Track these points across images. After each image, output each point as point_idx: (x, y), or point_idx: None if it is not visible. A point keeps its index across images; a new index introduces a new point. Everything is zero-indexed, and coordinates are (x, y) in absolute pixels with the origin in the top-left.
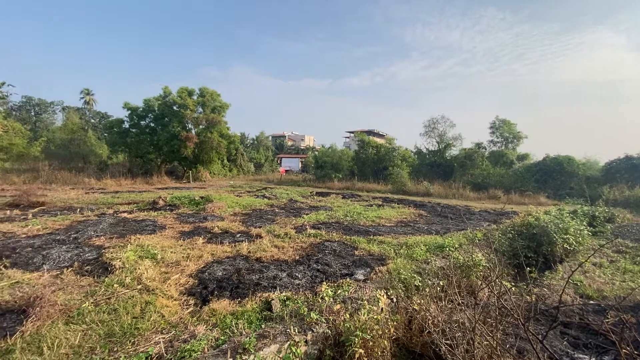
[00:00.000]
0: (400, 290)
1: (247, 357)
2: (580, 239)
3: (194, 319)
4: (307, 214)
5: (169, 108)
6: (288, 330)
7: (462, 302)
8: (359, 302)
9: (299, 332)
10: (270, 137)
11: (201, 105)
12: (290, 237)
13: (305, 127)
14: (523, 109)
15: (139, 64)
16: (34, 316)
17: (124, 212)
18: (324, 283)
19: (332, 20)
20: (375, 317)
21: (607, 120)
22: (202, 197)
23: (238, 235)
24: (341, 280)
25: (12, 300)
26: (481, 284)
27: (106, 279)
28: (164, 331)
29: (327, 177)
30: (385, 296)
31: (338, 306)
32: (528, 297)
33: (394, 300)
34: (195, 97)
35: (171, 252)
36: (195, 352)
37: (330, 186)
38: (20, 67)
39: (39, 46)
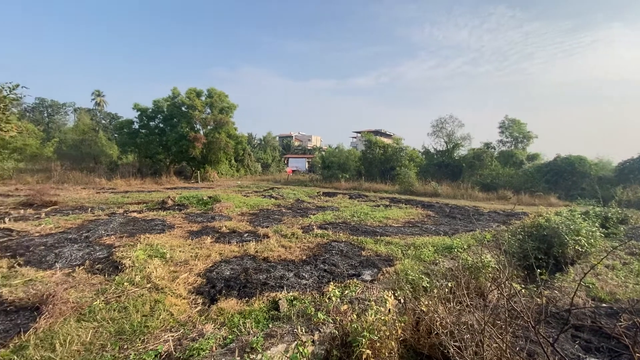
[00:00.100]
0: (407, 292)
1: (254, 356)
2: (592, 240)
3: (202, 317)
4: (314, 214)
5: (178, 109)
6: (295, 330)
7: (470, 304)
8: (366, 302)
9: (306, 332)
10: (278, 138)
11: (209, 106)
12: (297, 237)
13: (312, 127)
14: (533, 109)
15: (149, 64)
16: (46, 313)
17: (133, 211)
18: (331, 283)
19: (338, 20)
20: (382, 318)
21: (623, 120)
22: (210, 197)
23: (245, 235)
24: (348, 281)
25: (25, 297)
26: (490, 286)
27: (116, 278)
28: (172, 329)
29: (334, 177)
30: (392, 297)
31: (345, 306)
32: (538, 300)
33: (402, 301)
34: (203, 98)
35: (180, 251)
36: (204, 351)
37: (337, 186)
38: (33, 69)
39: (53, 47)
